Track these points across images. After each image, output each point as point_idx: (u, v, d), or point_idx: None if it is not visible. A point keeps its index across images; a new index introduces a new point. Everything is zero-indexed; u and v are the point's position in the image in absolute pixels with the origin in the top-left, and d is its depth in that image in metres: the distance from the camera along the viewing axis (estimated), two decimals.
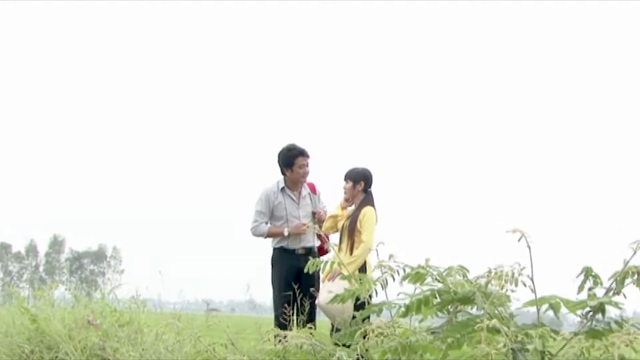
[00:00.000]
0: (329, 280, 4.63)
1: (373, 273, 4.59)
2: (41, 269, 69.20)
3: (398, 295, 2.01)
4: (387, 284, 1.95)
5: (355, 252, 4.67)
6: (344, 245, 4.81)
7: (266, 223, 5.17)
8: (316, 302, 4.69)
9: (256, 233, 5.15)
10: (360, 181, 4.94)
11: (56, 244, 70.31)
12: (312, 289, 4.79)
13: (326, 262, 2.59)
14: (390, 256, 1.92)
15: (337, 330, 2.47)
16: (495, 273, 1.87)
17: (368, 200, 4.94)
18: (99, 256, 71.13)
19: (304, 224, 5.06)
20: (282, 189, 5.18)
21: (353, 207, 5.01)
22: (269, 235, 5.14)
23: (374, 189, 5.02)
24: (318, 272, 4.78)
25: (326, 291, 4.50)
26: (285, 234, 5.08)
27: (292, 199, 5.19)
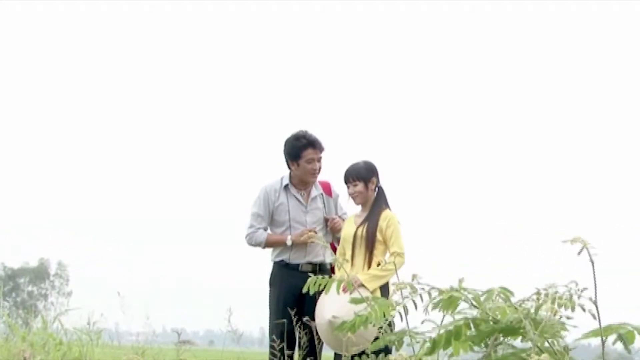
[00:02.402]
0: (344, 291, 4.64)
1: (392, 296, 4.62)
2: None
3: (422, 323, 2.04)
4: (407, 312, 1.98)
5: (386, 266, 4.71)
6: (360, 260, 4.87)
7: (265, 229, 5.21)
8: (319, 320, 4.67)
9: (252, 242, 5.20)
10: (371, 178, 5.01)
11: None
12: (306, 319, 4.79)
13: (334, 280, 2.61)
14: (414, 276, 1.95)
15: None
16: (547, 295, 1.90)
17: (383, 199, 5.03)
18: (39, 274, 71.03)
19: (311, 231, 5.10)
20: (286, 186, 5.22)
21: (359, 209, 5.07)
22: (267, 244, 5.19)
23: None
24: None
25: (336, 306, 4.45)
26: (288, 243, 5.11)
27: (298, 200, 5.23)
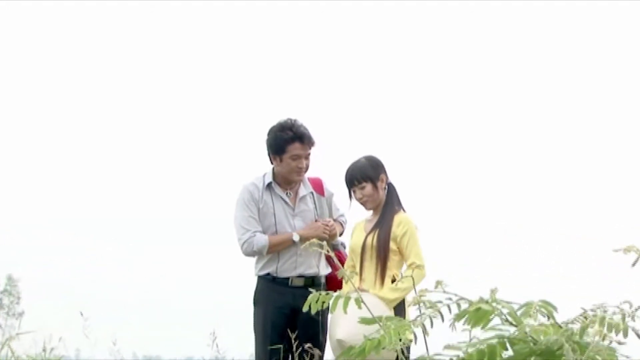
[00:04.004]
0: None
1: (409, 311, 4.58)
2: None
3: (444, 349, 2.02)
4: (432, 325, 1.95)
5: (401, 283, 4.59)
6: (370, 273, 4.78)
7: (262, 232, 5.08)
8: (331, 340, 4.62)
9: (252, 249, 5.05)
10: (380, 175, 4.91)
11: None
12: (307, 346, 4.75)
13: (340, 297, 2.57)
14: (438, 283, 1.92)
15: None
16: (595, 315, 1.87)
17: (395, 199, 4.94)
18: None
19: (326, 223, 5.06)
20: (269, 185, 5.16)
21: (370, 213, 5.00)
22: (272, 247, 5.04)
23: None
24: (325, 315, 4.76)
25: (345, 327, 4.38)
26: (295, 239, 5.01)
27: (284, 201, 5.16)
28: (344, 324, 4.35)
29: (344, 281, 4.85)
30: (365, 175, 4.89)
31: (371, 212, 4.99)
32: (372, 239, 4.82)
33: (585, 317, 2.09)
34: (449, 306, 1.91)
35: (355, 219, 5.23)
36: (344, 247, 5.34)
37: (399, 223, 4.81)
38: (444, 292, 1.91)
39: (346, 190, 5.01)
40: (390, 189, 4.98)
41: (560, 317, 2.05)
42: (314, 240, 2.83)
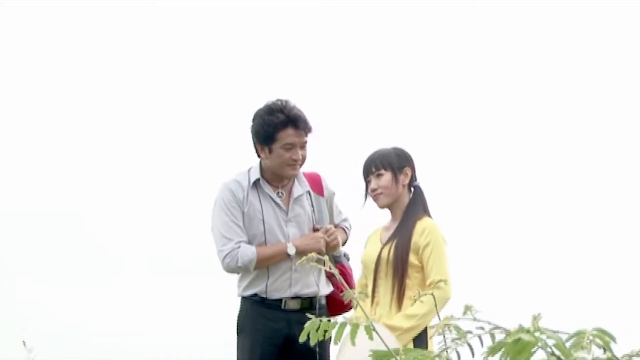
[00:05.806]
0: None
1: (433, 339, 4.55)
2: None
3: None
4: None
5: (417, 306, 4.51)
6: (386, 294, 4.74)
7: (248, 242, 5.00)
8: None
9: (235, 264, 4.96)
10: (404, 168, 4.87)
11: None
12: None
13: (345, 324, 2.56)
14: (467, 309, 1.91)
15: None
16: None
17: (420, 203, 4.89)
18: None
19: (329, 229, 5.02)
20: (256, 183, 5.09)
21: (388, 218, 4.96)
22: (261, 261, 4.96)
23: None
24: (326, 346, 4.76)
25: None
26: (291, 252, 4.95)
27: (275, 202, 5.10)
28: (344, 356, 4.36)
29: (352, 305, 4.82)
30: (386, 161, 4.87)
31: (390, 218, 4.96)
32: (388, 252, 4.76)
33: None
34: (480, 337, 1.90)
35: (365, 222, 5.21)
36: (348, 259, 5.32)
37: (422, 231, 4.74)
38: (475, 319, 1.90)
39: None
40: (417, 191, 4.94)
41: (620, 349, 2.04)
42: (313, 254, 2.71)
